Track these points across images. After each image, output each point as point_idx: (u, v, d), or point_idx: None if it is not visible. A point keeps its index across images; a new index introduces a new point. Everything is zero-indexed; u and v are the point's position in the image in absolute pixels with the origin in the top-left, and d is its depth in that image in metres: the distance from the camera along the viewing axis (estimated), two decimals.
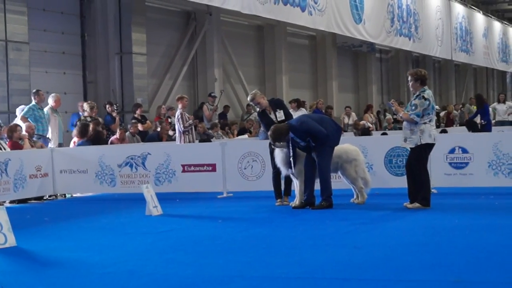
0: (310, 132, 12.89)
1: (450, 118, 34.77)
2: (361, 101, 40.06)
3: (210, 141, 19.98)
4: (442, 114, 35.43)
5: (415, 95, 12.46)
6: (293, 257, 8.54)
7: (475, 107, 31.30)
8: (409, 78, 12.57)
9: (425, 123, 12.28)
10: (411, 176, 12.52)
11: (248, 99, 14.30)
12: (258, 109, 14.20)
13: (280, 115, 13.83)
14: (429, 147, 12.47)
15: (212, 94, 25.72)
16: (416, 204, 12.45)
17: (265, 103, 13.92)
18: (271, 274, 7.71)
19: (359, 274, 7.59)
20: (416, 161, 12.46)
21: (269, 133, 13.08)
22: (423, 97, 12.29)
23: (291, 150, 13.02)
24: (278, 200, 13.93)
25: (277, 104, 14.07)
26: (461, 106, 38.85)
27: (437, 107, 13.09)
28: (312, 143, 12.92)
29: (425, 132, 12.27)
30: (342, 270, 7.80)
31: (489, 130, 23.94)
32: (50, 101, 18.71)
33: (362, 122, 28.92)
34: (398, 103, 13.35)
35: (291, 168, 13.17)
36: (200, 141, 18.78)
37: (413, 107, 12.31)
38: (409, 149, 12.67)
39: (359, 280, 7.32)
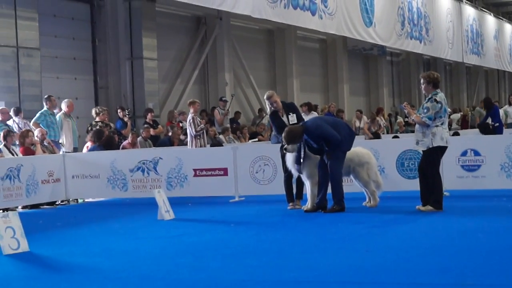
0: (324, 137, 12.86)
1: (466, 120, 34.71)
2: (372, 104, 40.03)
3: (222, 146, 19.98)
4: (457, 116, 35.28)
5: (427, 98, 12.45)
6: (305, 261, 8.54)
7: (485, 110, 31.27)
8: (422, 81, 12.56)
9: (437, 126, 12.26)
10: (424, 179, 12.50)
11: (266, 96, 14.17)
12: (269, 111, 14.14)
13: (293, 118, 13.81)
14: (441, 150, 12.44)
15: (223, 99, 25.75)
16: (429, 207, 12.42)
17: (280, 105, 13.92)
18: (283, 278, 7.70)
19: (371, 277, 7.58)
20: (428, 164, 12.44)
21: (283, 134, 13.01)
22: (435, 100, 12.27)
23: (302, 151, 13.02)
24: (290, 204, 13.92)
25: (290, 107, 14.06)
26: (471, 109, 38.73)
27: (449, 109, 13.09)
28: (326, 147, 12.91)
29: (437, 135, 12.25)
30: (354, 273, 7.79)
31: (501, 132, 23.84)
32: (63, 106, 18.76)
33: (377, 119, 29.04)
34: (410, 106, 13.32)
35: (299, 166, 13.20)
36: (211, 146, 18.80)
37: (425, 110, 12.30)
38: (422, 152, 12.66)
39: (371, 284, 7.32)
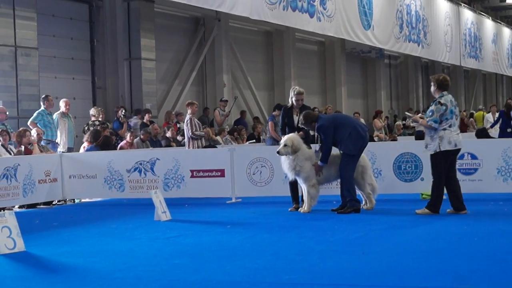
0: (324, 139, 13.14)
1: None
2: (370, 107, 40.05)
3: (216, 147, 19.95)
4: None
5: (433, 100, 12.49)
6: (301, 263, 8.54)
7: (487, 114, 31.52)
8: (431, 83, 12.59)
9: (444, 129, 12.20)
10: (445, 184, 12.50)
11: (297, 91, 14.01)
12: (290, 104, 14.09)
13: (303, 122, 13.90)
14: (450, 153, 12.36)
15: (223, 99, 25.76)
16: (425, 210, 12.42)
17: (300, 105, 13.95)
18: (279, 280, 7.70)
19: (366, 280, 7.59)
20: (433, 167, 12.43)
21: (302, 116, 13.45)
22: (439, 102, 12.25)
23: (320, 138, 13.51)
24: (294, 205, 13.92)
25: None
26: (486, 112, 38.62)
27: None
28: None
29: (444, 139, 12.20)
30: (350, 276, 7.79)
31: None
32: (61, 105, 18.78)
33: (398, 123, 29.11)
34: (414, 112, 13.38)
35: (297, 175, 13.28)
36: (204, 147, 18.77)
37: (430, 113, 12.28)
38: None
39: (366, 287, 7.32)
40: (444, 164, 12.42)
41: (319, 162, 13.26)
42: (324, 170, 13.33)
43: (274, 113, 17.35)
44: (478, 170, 14.91)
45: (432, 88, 12.57)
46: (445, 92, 12.44)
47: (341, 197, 13.42)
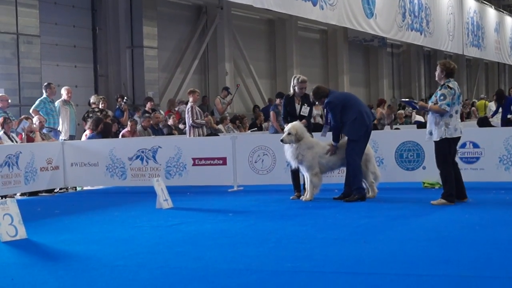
0: (332, 115, 13.19)
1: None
2: (372, 96, 40.03)
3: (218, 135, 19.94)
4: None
5: (440, 85, 12.34)
6: (303, 251, 8.54)
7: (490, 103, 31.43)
8: (437, 67, 12.45)
9: (451, 115, 12.10)
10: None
11: (301, 79, 13.83)
12: (291, 93, 14.03)
13: (306, 110, 13.83)
14: (453, 141, 12.28)
15: (225, 87, 25.75)
16: (442, 200, 12.28)
17: (302, 93, 13.91)
18: (280, 268, 7.71)
19: (368, 268, 7.59)
20: (438, 155, 12.29)
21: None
22: (448, 86, 12.16)
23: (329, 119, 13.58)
24: (296, 194, 13.89)
25: (307, 99, 14.00)
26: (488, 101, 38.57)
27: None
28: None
29: (450, 126, 12.08)
30: (352, 264, 7.79)
31: None
32: (63, 93, 18.79)
33: (400, 112, 29.06)
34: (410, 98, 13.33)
35: (300, 163, 13.27)
36: (207, 135, 18.75)
37: (442, 97, 12.09)
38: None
39: (368, 274, 7.32)
40: (449, 150, 12.32)
41: (332, 143, 13.27)
42: (328, 158, 13.32)
43: (276, 102, 17.31)
44: (480, 159, 14.89)
45: (438, 73, 12.39)
46: (451, 79, 12.37)
47: (344, 185, 13.39)
